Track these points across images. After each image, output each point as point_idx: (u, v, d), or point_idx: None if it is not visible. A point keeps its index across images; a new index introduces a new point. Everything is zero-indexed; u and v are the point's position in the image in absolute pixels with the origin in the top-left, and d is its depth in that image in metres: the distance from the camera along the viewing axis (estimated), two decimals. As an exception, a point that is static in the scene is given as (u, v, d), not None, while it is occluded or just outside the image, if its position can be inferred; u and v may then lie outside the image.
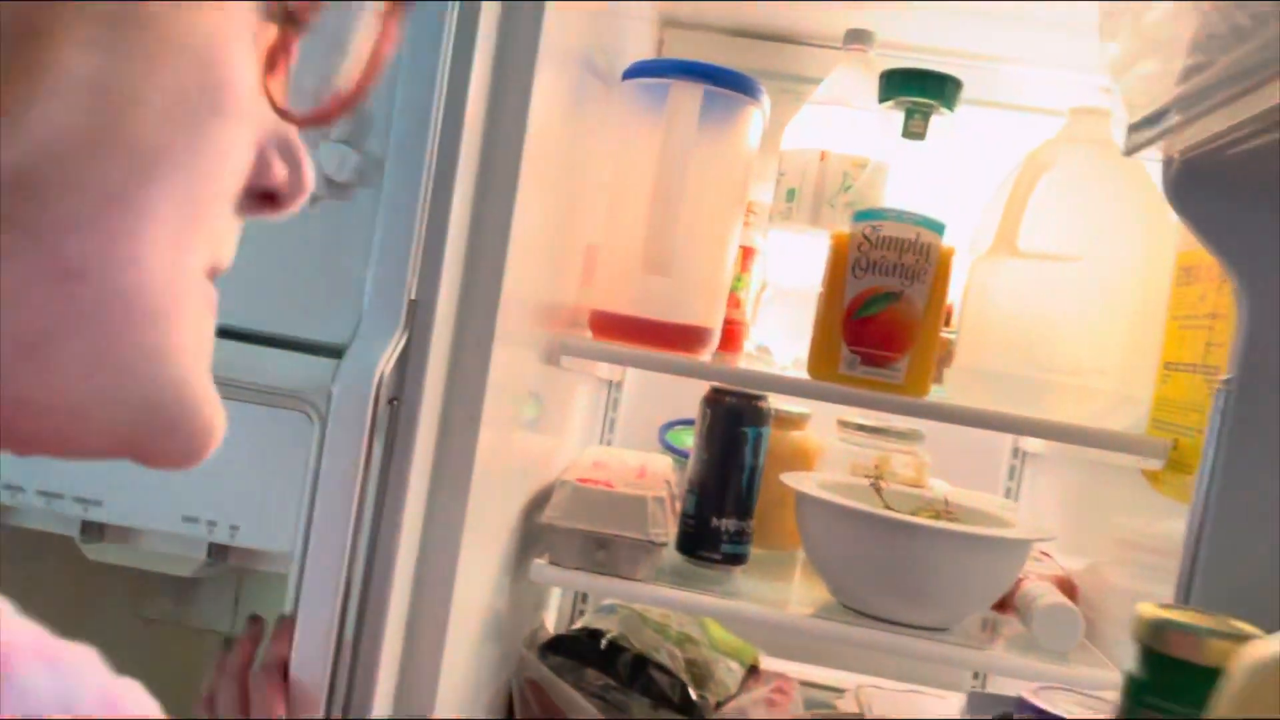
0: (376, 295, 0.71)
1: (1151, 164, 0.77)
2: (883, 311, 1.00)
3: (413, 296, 0.73)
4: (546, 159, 0.87)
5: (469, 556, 0.82)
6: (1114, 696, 0.55)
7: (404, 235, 0.71)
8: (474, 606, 0.90)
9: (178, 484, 0.75)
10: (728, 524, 1.10)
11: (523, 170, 0.78)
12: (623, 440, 1.48)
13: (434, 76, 0.70)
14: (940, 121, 1.05)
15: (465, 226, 0.77)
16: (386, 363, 0.70)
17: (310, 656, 0.71)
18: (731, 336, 1.23)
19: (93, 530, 0.78)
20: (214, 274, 0.33)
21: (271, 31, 0.30)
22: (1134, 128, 0.62)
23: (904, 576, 0.99)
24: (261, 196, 0.33)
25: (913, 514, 1.03)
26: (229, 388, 0.72)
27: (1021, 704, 0.64)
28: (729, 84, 1.06)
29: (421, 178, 0.71)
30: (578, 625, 1.21)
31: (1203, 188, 0.59)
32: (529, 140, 0.78)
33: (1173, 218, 0.75)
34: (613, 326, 1.07)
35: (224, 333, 0.73)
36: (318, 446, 0.70)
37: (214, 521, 0.76)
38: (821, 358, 1.02)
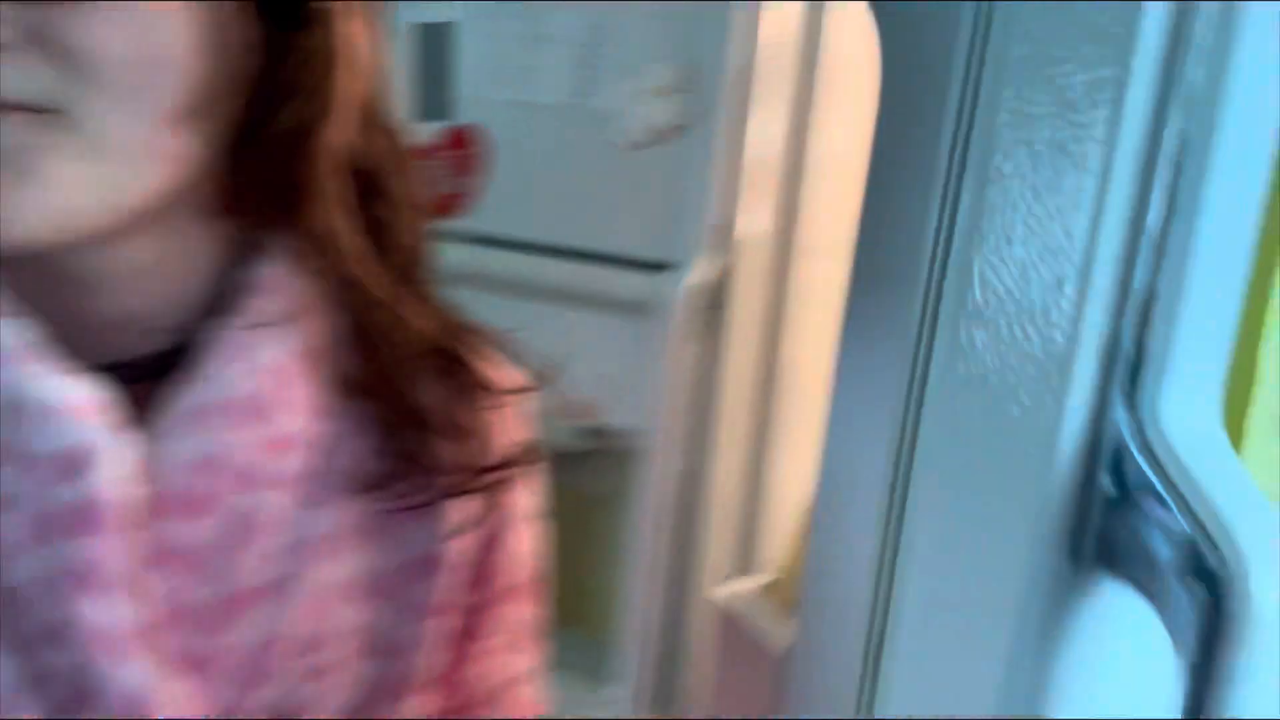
0: (699, 221, 0.87)
1: None
2: None
3: (724, 223, 0.87)
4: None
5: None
6: None
7: (724, 171, 0.85)
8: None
9: (564, 376, 0.97)
10: None
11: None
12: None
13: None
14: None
15: (780, 165, 0.89)
16: (707, 277, 0.85)
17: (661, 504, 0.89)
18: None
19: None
20: None
21: None
22: None
23: None
24: None
25: None
26: (583, 299, 0.91)
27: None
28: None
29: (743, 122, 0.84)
30: None
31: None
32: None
33: None
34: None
35: (579, 254, 0.92)
36: (656, 346, 0.87)
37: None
38: None
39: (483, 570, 0.55)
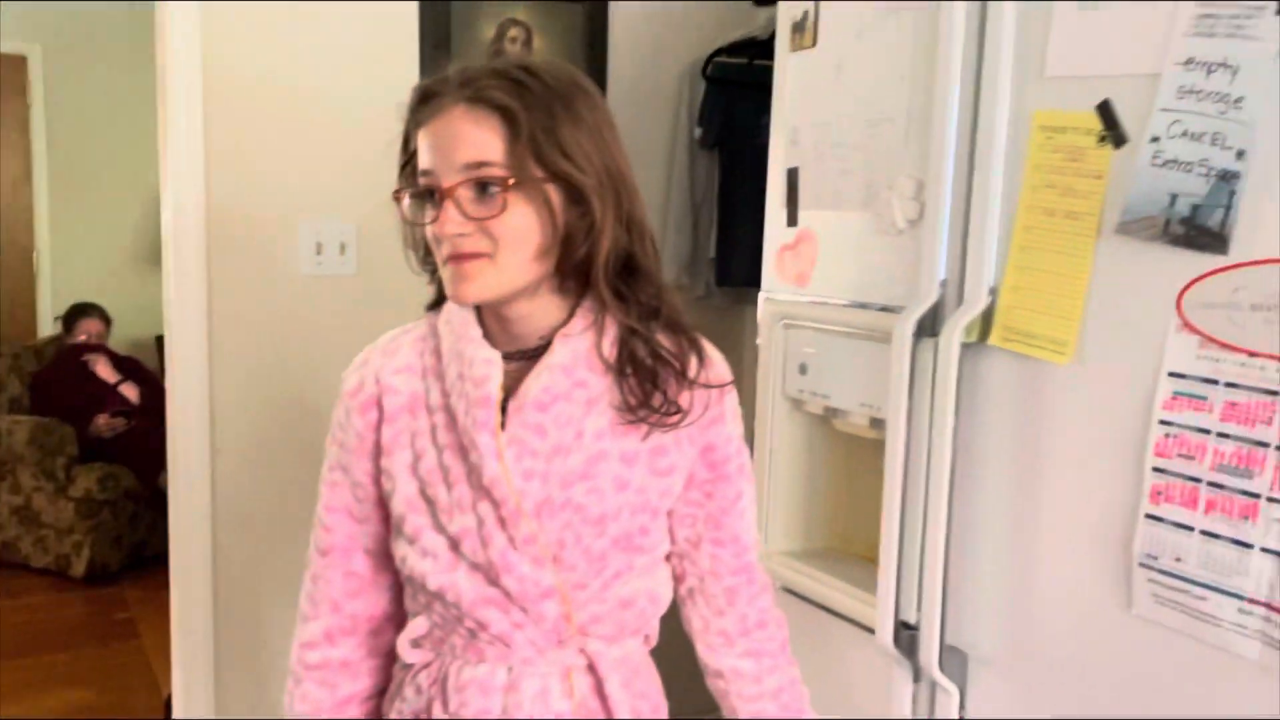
0: (920, 279, 1.34)
1: None
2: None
3: (942, 278, 1.33)
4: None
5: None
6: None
7: (937, 254, 1.32)
8: None
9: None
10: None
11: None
12: None
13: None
14: None
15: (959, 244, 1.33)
16: (921, 315, 1.32)
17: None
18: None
19: None
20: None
21: None
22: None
23: None
24: None
25: None
26: (860, 331, 1.43)
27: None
28: None
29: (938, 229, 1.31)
30: None
31: None
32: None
33: None
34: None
35: (858, 305, 1.45)
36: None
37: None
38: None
39: (705, 460, 1.07)
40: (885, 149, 1.42)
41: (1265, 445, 1.02)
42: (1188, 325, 1.08)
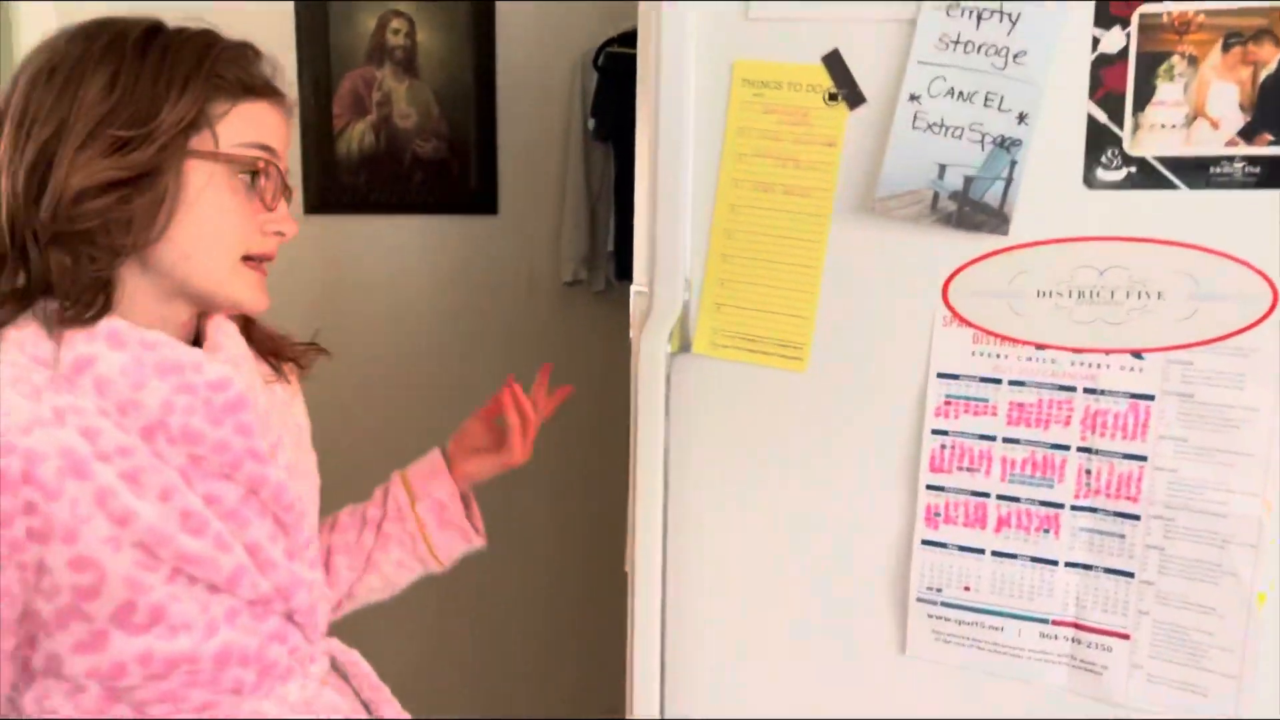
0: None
1: None
2: None
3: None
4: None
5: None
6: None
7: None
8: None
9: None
10: None
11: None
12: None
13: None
14: None
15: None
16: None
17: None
18: None
19: None
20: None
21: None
22: None
23: None
24: None
25: None
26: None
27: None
28: None
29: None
30: None
31: None
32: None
33: None
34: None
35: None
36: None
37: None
38: None
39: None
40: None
41: (1065, 448, 0.91)
42: (958, 318, 0.93)
